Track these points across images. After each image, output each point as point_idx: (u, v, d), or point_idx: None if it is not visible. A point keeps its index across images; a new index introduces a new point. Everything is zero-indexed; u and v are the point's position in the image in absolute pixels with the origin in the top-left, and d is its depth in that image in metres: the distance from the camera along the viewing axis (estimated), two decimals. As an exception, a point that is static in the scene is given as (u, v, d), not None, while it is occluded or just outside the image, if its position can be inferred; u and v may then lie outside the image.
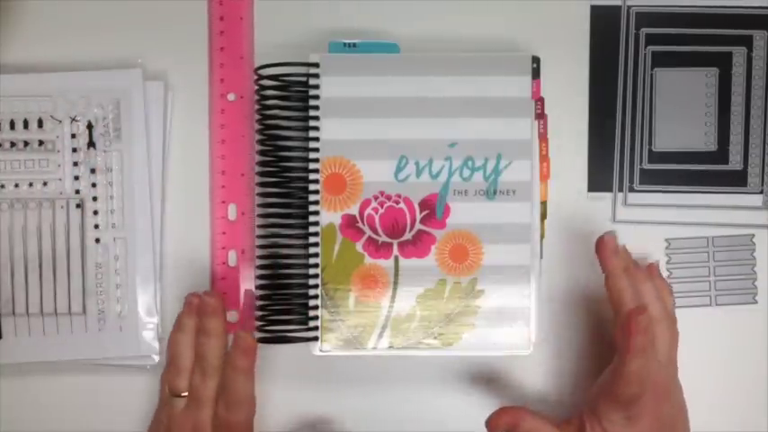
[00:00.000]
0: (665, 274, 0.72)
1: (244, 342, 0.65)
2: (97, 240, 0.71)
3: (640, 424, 0.62)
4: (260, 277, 0.68)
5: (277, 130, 0.68)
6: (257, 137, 0.68)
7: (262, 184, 0.68)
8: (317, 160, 0.67)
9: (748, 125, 0.72)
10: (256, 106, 0.68)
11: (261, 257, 0.68)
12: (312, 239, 0.67)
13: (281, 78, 0.68)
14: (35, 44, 0.72)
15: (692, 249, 0.72)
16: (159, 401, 0.68)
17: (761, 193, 0.72)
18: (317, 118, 0.67)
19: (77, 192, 0.71)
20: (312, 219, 0.67)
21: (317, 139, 0.67)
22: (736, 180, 0.72)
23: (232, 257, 0.71)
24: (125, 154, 0.71)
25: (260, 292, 0.68)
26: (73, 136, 0.71)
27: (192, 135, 0.72)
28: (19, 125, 0.71)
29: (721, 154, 0.72)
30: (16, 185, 0.71)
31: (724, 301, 0.72)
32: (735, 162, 0.72)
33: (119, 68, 0.71)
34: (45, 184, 0.71)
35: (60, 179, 0.71)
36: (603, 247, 0.65)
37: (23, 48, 0.72)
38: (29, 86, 0.71)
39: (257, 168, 0.68)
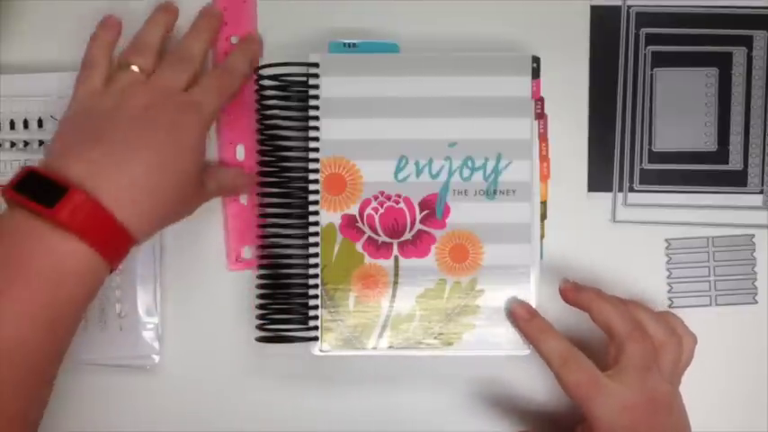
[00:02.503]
0: (664, 274, 0.72)
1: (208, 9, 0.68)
2: None
3: None
4: (260, 277, 0.68)
5: (277, 130, 0.68)
6: (257, 137, 0.68)
7: (262, 184, 0.68)
8: (316, 160, 0.67)
9: (748, 125, 0.72)
10: (256, 106, 0.68)
11: (261, 257, 0.68)
12: (312, 239, 0.67)
13: (281, 78, 0.68)
14: (35, 44, 0.72)
15: (692, 249, 0.72)
16: (81, 76, 0.66)
17: (761, 193, 0.72)
18: (316, 118, 0.67)
19: None
20: (312, 219, 0.67)
21: (316, 139, 0.67)
22: (736, 180, 0.72)
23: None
24: None
25: (260, 292, 0.68)
26: None
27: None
28: (19, 125, 0.71)
29: (721, 154, 0.72)
30: None
31: (724, 301, 0.72)
32: (735, 162, 0.72)
33: None
34: None
35: None
36: (516, 317, 0.66)
37: (23, 48, 0.72)
38: (29, 86, 0.71)
39: (257, 169, 0.68)
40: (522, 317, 0.66)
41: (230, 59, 0.69)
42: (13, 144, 0.71)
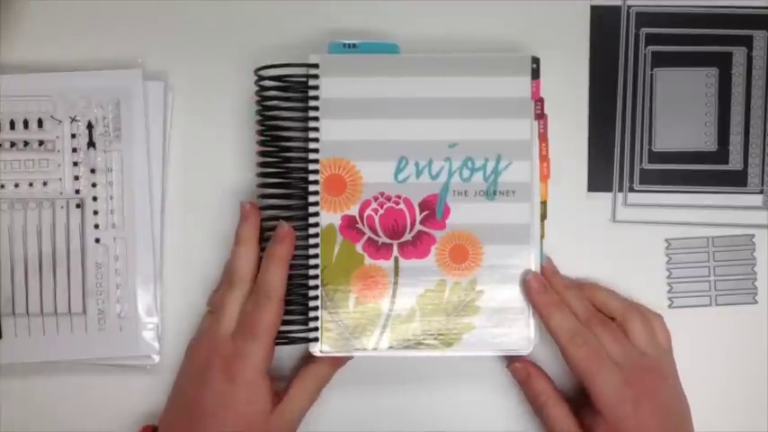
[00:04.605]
0: (665, 274, 0.72)
1: (281, 230, 0.66)
2: (97, 240, 0.71)
3: (642, 407, 0.64)
4: (260, 278, 0.68)
5: (277, 130, 0.68)
6: (257, 138, 0.68)
7: (262, 185, 0.68)
8: (316, 161, 0.67)
9: (748, 125, 0.72)
10: (257, 107, 0.68)
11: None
12: (312, 240, 0.67)
13: (281, 79, 0.68)
14: (35, 44, 0.72)
15: (692, 249, 0.72)
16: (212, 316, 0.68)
17: (761, 193, 0.72)
18: (316, 119, 0.67)
19: (77, 192, 0.71)
20: (312, 220, 0.67)
21: (316, 139, 0.67)
22: (736, 180, 0.72)
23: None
24: (125, 154, 0.71)
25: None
26: (73, 136, 0.71)
27: (191, 135, 0.72)
28: (19, 125, 0.71)
29: (721, 154, 0.72)
30: (16, 185, 0.71)
31: (724, 301, 0.72)
32: (735, 162, 0.72)
33: (119, 68, 0.71)
34: (45, 184, 0.71)
35: (60, 179, 0.71)
36: (529, 288, 0.67)
37: (23, 48, 0.72)
38: (29, 86, 0.71)
39: (257, 170, 0.68)
40: (535, 289, 0.66)
41: (261, 278, 0.66)
42: (13, 144, 0.71)
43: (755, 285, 0.72)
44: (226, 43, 0.72)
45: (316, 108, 0.67)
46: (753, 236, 0.72)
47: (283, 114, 0.68)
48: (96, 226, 0.71)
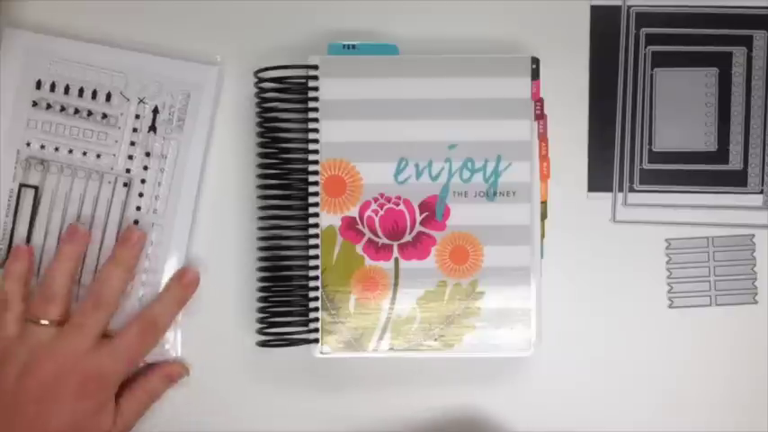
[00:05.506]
0: (665, 274, 0.72)
1: (187, 274, 0.69)
2: (136, 221, 0.71)
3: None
4: (261, 279, 0.68)
5: (277, 132, 0.68)
6: (257, 139, 0.68)
7: (262, 187, 0.68)
8: (316, 162, 0.67)
9: (748, 125, 0.72)
10: (256, 109, 0.68)
11: (261, 260, 0.68)
12: (312, 242, 0.67)
13: (280, 81, 0.68)
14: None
15: (692, 249, 0.72)
16: None
17: (761, 193, 0.72)
18: (316, 120, 0.67)
19: (128, 171, 0.71)
20: (312, 221, 0.67)
21: (316, 141, 0.67)
22: (736, 180, 0.72)
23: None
24: (182, 145, 0.71)
25: (260, 295, 0.68)
26: (137, 117, 0.71)
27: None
28: (87, 94, 0.71)
29: (721, 154, 0.72)
30: (70, 151, 0.71)
31: (724, 301, 0.72)
32: (735, 162, 0.72)
33: (197, 62, 0.71)
34: (99, 156, 0.71)
35: (114, 155, 0.71)
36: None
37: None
38: (105, 59, 0.71)
39: (257, 171, 0.68)
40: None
41: (155, 308, 0.69)
42: (77, 111, 0.70)
43: (755, 285, 0.72)
44: (225, 44, 0.72)
45: (315, 109, 0.67)
46: (753, 236, 0.72)
47: (283, 116, 0.68)
48: (138, 208, 0.71)
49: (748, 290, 0.72)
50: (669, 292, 0.72)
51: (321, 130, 0.67)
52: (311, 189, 0.67)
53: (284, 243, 0.68)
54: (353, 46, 0.68)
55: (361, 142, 0.67)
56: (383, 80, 0.67)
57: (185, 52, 0.71)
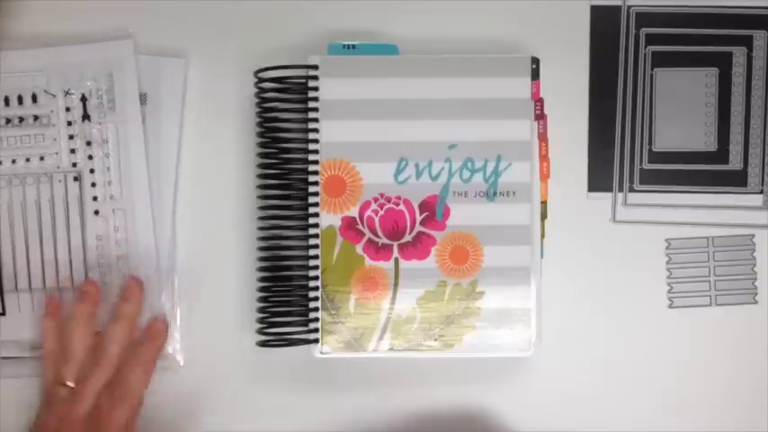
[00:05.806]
0: (665, 274, 0.72)
1: (155, 324, 0.67)
2: (96, 212, 0.71)
3: None
4: (261, 280, 0.68)
5: (277, 132, 0.68)
6: (257, 139, 0.68)
7: (262, 187, 0.68)
8: (316, 162, 0.67)
9: (748, 125, 0.72)
10: (256, 109, 0.68)
11: (261, 260, 0.68)
12: (312, 242, 0.67)
13: (280, 81, 0.68)
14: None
15: (692, 249, 0.72)
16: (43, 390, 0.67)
17: (761, 193, 0.72)
18: (316, 120, 0.67)
19: (74, 165, 0.71)
20: (312, 221, 0.67)
21: (316, 141, 0.67)
22: (736, 180, 0.72)
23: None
24: (120, 125, 0.71)
25: (260, 295, 0.68)
26: (67, 109, 0.71)
27: (193, 135, 0.72)
28: (13, 101, 0.71)
29: (721, 154, 0.72)
30: (13, 162, 0.71)
31: (724, 301, 0.72)
32: (735, 162, 0.72)
33: (110, 40, 0.71)
34: (42, 158, 0.71)
35: (57, 153, 0.71)
36: None
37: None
38: (22, 62, 0.71)
39: (257, 171, 0.68)
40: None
41: (127, 376, 0.66)
42: (8, 120, 0.71)
43: (755, 285, 0.72)
44: (225, 44, 0.72)
45: (315, 109, 0.67)
46: (753, 236, 0.72)
47: (283, 116, 0.68)
48: (95, 198, 0.71)
49: (748, 290, 0.72)
50: (669, 292, 0.72)
51: (321, 130, 0.67)
52: (311, 189, 0.67)
53: (284, 243, 0.68)
54: (353, 46, 0.68)
55: (361, 142, 0.67)
56: (383, 80, 0.67)
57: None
